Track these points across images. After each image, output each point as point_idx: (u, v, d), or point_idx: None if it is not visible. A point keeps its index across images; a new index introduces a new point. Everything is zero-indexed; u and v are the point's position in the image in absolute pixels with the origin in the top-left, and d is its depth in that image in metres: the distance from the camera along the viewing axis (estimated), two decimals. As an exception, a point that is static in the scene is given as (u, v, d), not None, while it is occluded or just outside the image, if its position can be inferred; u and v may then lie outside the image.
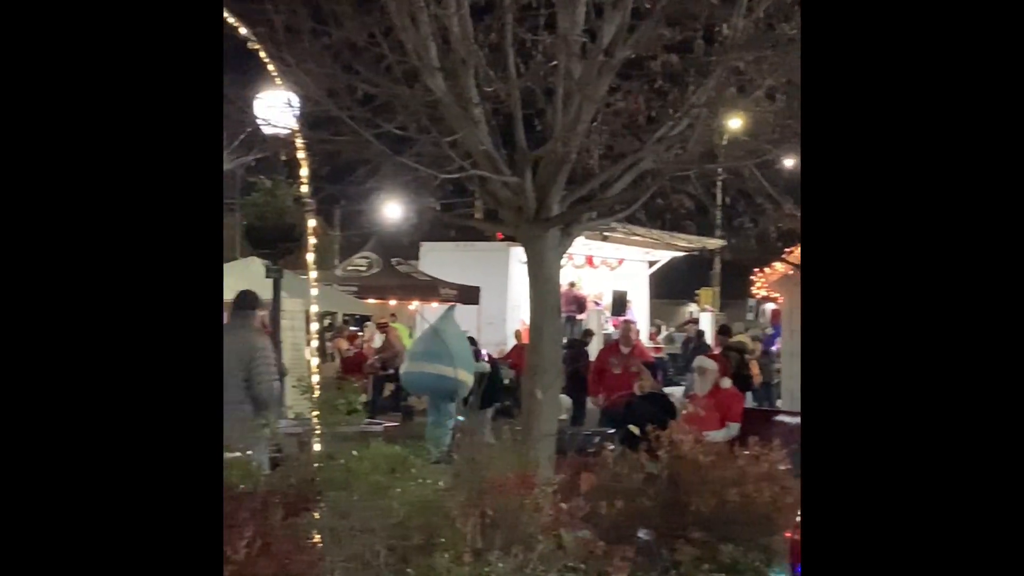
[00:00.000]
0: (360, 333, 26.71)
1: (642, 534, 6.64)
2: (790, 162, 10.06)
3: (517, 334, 24.09)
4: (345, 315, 29.25)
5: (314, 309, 9.52)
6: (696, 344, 23.69)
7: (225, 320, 10.03)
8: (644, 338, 26.55)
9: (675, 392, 15.63)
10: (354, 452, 5.96)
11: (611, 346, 16.10)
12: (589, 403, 16.33)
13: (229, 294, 22.97)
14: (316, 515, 5.69)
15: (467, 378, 14.79)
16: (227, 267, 24.82)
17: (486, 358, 18.99)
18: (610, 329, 26.33)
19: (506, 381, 17.75)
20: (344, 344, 24.87)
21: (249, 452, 6.71)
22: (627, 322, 17.25)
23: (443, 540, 5.47)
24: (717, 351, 18.33)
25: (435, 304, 23.80)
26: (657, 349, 27.12)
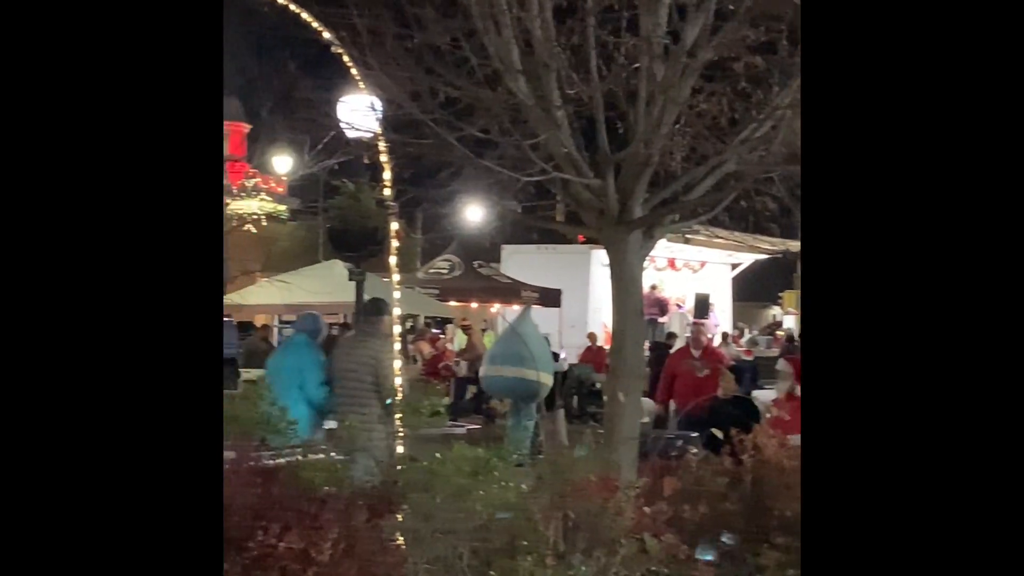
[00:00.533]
0: (442, 336, 26.80)
1: (726, 538, 6.59)
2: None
3: (591, 336, 24.07)
4: (427, 318, 29.37)
5: (397, 312, 9.55)
6: (787, 348, 23.48)
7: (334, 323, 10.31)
8: (724, 340, 26.43)
9: (765, 396, 15.38)
10: (437, 454, 5.97)
11: (682, 350, 15.55)
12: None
13: (314, 297, 23.14)
14: (399, 517, 5.71)
15: (548, 380, 14.79)
16: (311, 270, 25.18)
17: (563, 355, 18.94)
18: (694, 332, 26.21)
19: (597, 385, 17.71)
20: (426, 347, 24.97)
21: (333, 453, 6.74)
22: (697, 323, 16.79)
23: (526, 543, 5.47)
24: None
25: (516, 307, 23.84)
26: (748, 352, 26.94)
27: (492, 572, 5.41)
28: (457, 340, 26.13)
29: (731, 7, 8.11)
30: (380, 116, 8.81)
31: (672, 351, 18.40)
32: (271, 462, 5.99)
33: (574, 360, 23.29)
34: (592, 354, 23.13)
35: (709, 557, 5.89)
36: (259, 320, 41.92)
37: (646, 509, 5.81)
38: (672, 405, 13.76)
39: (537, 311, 22.27)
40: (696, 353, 14.12)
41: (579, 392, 21.62)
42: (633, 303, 8.64)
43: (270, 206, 28.43)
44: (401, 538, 5.58)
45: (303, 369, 9.80)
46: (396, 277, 9.35)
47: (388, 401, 8.99)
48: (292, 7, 8.28)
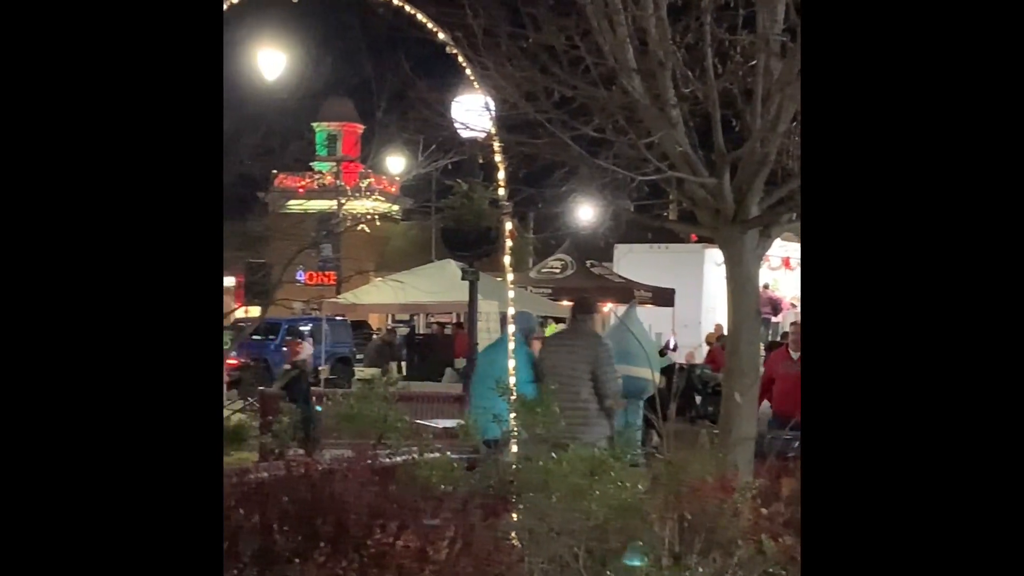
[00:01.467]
0: (552, 335, 26.81)
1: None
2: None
3: (710, 337, 23.92)
4: (539, 317, 29.40)
5: (510, 312, 9.59)
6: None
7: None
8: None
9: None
10: (552, 454, 5.97)
11: (780, 351, 14.46)
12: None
13: (427, 297, 23.19)
14: (515, 516, 5.72)
15: (656, 377, 14.70)
16: (424, 269, 25.36)
17: (672, 347, 18.74)
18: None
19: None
20: (538, 346, 24.98)
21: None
22: (796, 324, 16.09)
23: (641, 543, 5.45)
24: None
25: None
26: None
27: (608, 572, 5.40)
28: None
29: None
30: (494, 116, 8.84)
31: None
32: (388, 460, 6.04)
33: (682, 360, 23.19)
34: (715, 354, 23.00)
35: (637, 563, 5.76)
36: (373, 319, 42.32)
37: (763, 510, 5.75)
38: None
39: (650, 310, 22.15)
40: (795, 356, 13.21)
41: (702, 392, 21.52)
42: (749, 303, 8.57)
43: (384, 206, 28.75)
44: (517, 538, 5.58)
45: (516, 366, 9.94)
46: (509, 276, 9.38)
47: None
48: (407, 8, 8.35)
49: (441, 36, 8.49)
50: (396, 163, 33.67)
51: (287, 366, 14.66)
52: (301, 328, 32.14)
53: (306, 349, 14.50)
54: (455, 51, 8.52)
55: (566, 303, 25.96)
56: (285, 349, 32.22)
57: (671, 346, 21.66)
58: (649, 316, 18.55)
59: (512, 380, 9.67)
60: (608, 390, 9.81)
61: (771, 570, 5.51)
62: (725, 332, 15.49)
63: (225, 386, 23.41)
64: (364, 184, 25.76)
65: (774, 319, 26.47)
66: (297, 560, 4.98)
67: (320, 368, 27.72)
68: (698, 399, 21.43)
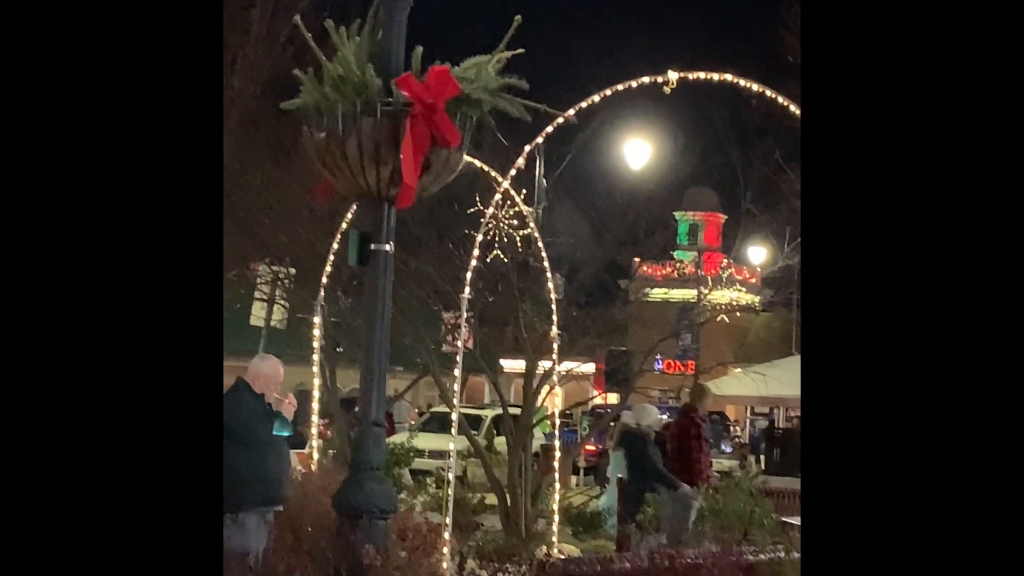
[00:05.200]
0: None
1: None
2: None
3: None
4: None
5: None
6: None
7: None
8: None
9: None
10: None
11: None
12: None
13: (788, 390, 22.69)
14: None
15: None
16: (785, 362, 24.87)
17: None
18: None
19: None
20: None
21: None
22: None
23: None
24: None
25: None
26: None
27: None
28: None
29: None
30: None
31: None
32: (752, 557, 5.90)
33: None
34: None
35: None
36: (730, 411, 41.91)
37: None
38: None
39: None
40: None
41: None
42: None
43: (745, 297, 28.61)
44: None
45: None
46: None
47: None
48: (780, 99, 8.27)
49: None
50: (758, 253, 33.42)
51: None
52: (658, 417, 32.13)
53: None
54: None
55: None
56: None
57: None
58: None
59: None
60: None
61: None
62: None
63: (582, 471, 23.63)
64: (725, 274, 25.66)
65: None
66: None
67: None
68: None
